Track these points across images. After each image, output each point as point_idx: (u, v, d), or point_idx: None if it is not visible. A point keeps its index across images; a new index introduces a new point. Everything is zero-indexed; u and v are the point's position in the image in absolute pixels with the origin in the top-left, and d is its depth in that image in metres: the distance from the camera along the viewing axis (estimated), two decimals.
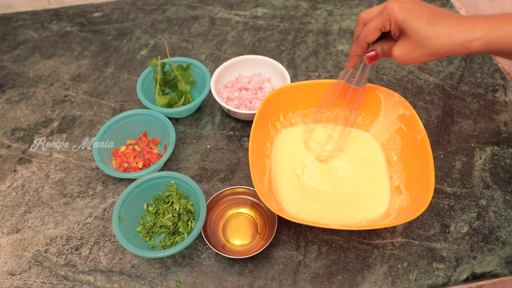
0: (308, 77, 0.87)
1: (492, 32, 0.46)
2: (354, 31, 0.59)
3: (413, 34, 0.49)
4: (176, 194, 0.67)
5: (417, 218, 0.66)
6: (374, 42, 0.57)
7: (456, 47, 0.48)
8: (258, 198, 0.66)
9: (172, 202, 0.66)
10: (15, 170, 0.75)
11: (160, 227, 0.65)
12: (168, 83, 0.81)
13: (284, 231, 0.66)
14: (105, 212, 0.69)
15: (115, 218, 0.62)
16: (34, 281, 0.62)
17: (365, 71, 0.63)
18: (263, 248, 0.61)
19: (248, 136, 0.77)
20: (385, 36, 0.56)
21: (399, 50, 0.52)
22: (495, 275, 0.62)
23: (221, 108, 0.82)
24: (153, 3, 1.05)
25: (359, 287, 0.60)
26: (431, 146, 0.61)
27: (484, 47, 0.47)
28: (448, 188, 0.70)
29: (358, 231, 0.65)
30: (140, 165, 0.72)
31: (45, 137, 0.79)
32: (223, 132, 0.79)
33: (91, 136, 0.79)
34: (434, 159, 0.60)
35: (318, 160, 0.71)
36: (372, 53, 0.58)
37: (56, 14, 1.03)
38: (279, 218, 0.63)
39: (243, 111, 0.73)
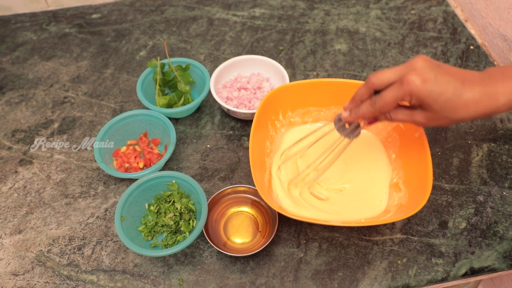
0: (306, 76, 0.88)
1: None
2: (357, 91, 0.54)
3: (439, 109, 0.49)
4: (178, 193, 0.67)
5: (416, 214, 0.67)
6: None
7: (482, 116, 0.49)
8: (258, 196, 0.67)
9: (173, 201, 0.67)
10: (16, 172, 0.75)
11: (162, 226, 0.65)
12: (167, 84, 0.81)
13: (284, 229, 0.66)
14: (107, 212, 0.70)
15: (117, 217, 0.62)
16: (38, 281, 0.63)
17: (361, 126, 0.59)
18: (264, 245, 0.61)
19: (247, 136, 0.78)
20: None
21: (423, 119, 0.51)
22: (493, 270, 0.63)
23: (220, 108, 0.83)
24: (151, 4, 1.05)
25: (360, 283, 0.61)
26: (429, 143, 0.62)
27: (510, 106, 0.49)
28: (446, 185, 0.71)
29: (357, 228, 0.66)
30: (141, 165, 0.72)
31: (45, 138, 0.79)
32: (223, 132, 0.79)
33: (92, 137, 0.79)
34: (431, 156, 0.61)
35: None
36: (375, 122, 0.57)
37: (54, 16, 1.03)
38: (280, 216, 0.64)
39: (242, 110, 0.74)
